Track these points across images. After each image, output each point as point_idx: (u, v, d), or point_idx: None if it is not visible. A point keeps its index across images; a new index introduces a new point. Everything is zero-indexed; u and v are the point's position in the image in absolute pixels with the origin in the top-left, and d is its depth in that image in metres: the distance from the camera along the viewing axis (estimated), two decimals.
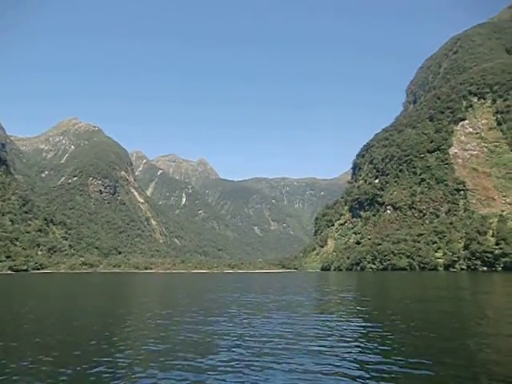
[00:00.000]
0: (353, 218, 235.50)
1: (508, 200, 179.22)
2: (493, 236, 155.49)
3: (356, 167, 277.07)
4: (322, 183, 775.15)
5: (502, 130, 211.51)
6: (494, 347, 13.33)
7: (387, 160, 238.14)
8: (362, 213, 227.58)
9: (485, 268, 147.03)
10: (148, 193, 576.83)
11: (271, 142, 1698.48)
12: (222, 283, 68.76)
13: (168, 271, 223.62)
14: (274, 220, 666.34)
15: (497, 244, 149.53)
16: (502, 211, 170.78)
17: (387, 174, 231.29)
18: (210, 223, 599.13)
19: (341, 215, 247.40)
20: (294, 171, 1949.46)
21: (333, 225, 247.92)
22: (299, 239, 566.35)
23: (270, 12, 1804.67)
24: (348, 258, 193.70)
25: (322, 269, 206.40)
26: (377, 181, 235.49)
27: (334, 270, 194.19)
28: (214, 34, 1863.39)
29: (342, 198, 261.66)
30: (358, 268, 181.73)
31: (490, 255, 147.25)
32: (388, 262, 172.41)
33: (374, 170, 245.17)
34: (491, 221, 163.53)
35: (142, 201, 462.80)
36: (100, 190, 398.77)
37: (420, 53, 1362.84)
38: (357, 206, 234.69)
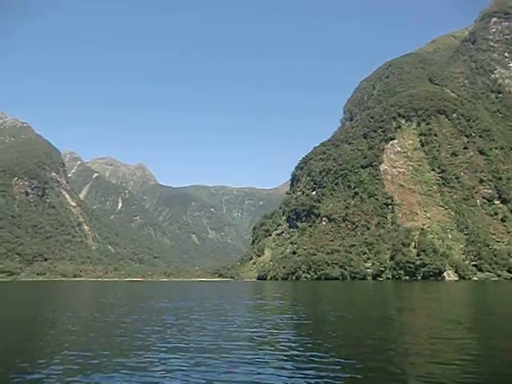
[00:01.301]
0: (290, 228, 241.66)
1: (428, 215, 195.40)
2: (415, 248, 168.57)
3: (294, 179, 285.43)
4: (261, 193, 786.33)
5: (424, 151, 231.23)
6: (411, 350, 14.96)
7: (324, 173, 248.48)
8: (298, 223, 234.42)
9: (407, 277, 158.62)
10: (81, 196, 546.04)
11: (212, 150, 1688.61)
12: (154, 292, 67.25)
13: (99, 279, 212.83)
14: (213, 228, 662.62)
15: (418, 255, 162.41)
16: (423, 225, 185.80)
17: (324, 187, 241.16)
18: (147, 230, 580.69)
19: (278, 225, 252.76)
20: (233, 180, 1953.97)
21: (270, 235, 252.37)
22: (237, 248, 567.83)
23: (217, 16, 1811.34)
24: (284, 267, 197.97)
25: (259, 278, 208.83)
26: (314, 193, 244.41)
27: (270, 279, 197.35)
28: (153, 36, 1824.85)
29: (280, 208, 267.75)
30: (294, 277, 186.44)
31: (411, 265, 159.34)
32: (322, 272, 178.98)
33: (312, 183, 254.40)
34: (414, 233, 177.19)
35: (74, 204, 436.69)
36: (26, 192, 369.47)
37: (357, 74, 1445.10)
38: (294, 216, 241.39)
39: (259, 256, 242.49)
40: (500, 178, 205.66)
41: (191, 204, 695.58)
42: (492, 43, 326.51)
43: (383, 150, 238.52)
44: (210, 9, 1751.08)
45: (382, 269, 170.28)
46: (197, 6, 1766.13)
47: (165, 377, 11.30)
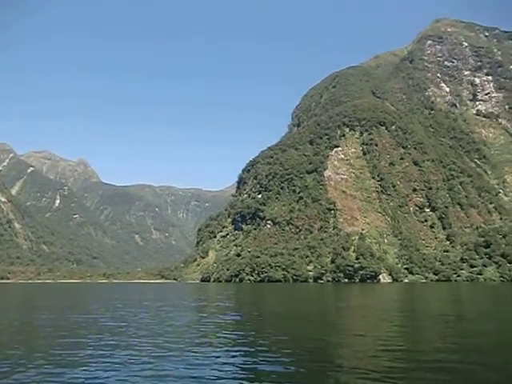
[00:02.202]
0: (235, 230, 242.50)
1: (367, 220, 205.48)
2: (354, 251, 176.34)
3: (241, 181, 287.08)
4: (207, 194, 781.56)
5: (366, 160, 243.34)
6: (349, 346, 15.90)
7: (270, 177, 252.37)
8: (243, 226, 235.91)
9: (346, 280, 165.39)
10: (13, 192, 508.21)
11: (159, 150, 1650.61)
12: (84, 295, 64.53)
13: (30, 281, 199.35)
14: (157, 229, 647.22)
15: (356, 259, 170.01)
16: (363, 230, 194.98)
17: (270, 190, 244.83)
18: (87, 229, 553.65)
19: (223, 227, 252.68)
20: (180, 181, 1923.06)
21: (215, 236, 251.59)
22: (181, 250, 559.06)
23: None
24: (228, 269, 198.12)
25: (202, 280, 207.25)
26: (260, 196, 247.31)
27: (214, 281, 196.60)
28: (91, 25, 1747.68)
29: (226, 210, 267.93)
30: (237, 279, 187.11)
31: (350, 268, 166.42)
32: (265, 274, 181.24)
33: (258, 186, 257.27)
34: (353, 238, 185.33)
35: (4, 200, 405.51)
36: None
37: (306, 82, 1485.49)
38: (239, 219, 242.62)
39: (203, 258, 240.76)
40: (430, 188, 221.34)
41: (135, 203, 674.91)
42: (427, 64, 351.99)
43: (328, 156, 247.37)
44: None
45: (323, 271, 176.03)
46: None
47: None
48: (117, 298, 54.63)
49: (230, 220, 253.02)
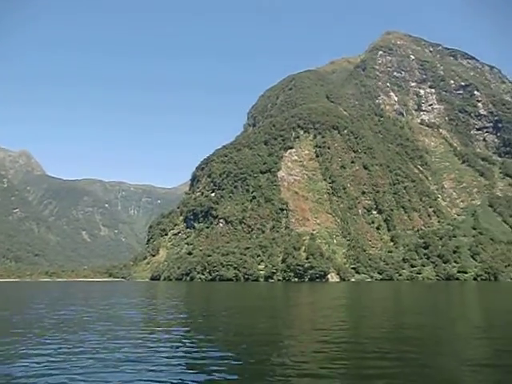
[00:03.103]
0: (187, 228, 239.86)
1: (318, 221, 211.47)
2: (304, 251, 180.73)
3: (195, 179, 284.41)
4: (159, 191, 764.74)
5: (318, 162, 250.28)
6: (298, 344, 16.65)
7: (224, 175, 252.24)
8: (196, 224, 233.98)
9: (296, 279, 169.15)
10: None
11: (110, 143, 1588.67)
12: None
13: None
14: (106, 225, 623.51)
15: (307, 258, 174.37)
16: (313, 230, 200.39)
17: (223, 189, 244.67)
18: (28, 224, 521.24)
19: (175, 225, 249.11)
20: (131, 176, 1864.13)
21: (166, 234, 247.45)
22: (131, 247, 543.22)
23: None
24: (179, 268, 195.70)
25: (152, 278, 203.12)
26: (213, 194, 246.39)
27: (164, 279, 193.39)
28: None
29: (178, 208, 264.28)
30: (188, 278, 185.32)
31: (300, 268, 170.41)
32: (216, 273, 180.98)
33: (212, 184, 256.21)
34: (304, 238, 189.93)
35: None
36: None
37: (264, 83, 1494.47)
38: (192, 217, 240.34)
39: (154, 256, 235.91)
40: (378, 191, 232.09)
41: (83, 198, 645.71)
42: (378, 73, 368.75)
43: (282, 157, 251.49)
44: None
45: (274, 271, 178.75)
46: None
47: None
48: (56, 298, 52.53)
49: (182, 218, 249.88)
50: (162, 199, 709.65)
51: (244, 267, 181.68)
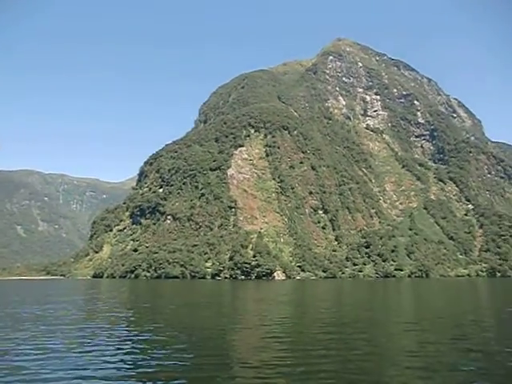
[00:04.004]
0: (133, 224, 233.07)
1: (266, 219, 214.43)
2: (252, 249, 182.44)
3: (142, 174, 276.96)
4: (105, 186, 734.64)
5: (268, 161, 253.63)
6: (238, 339, 17.09)
7: (173, 171, 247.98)
8: (142, 220, 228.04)
9: (243, 277, 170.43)
10: None
11: (52, 133, 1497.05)
12: None
13: None
14: (44, 220, 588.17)
15: (254, 256, 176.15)
16: (261, 229, 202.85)
17: (172, 185, 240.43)
18: None
19: (121, 221, 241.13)
20: (75, 169, 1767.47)
21: (111, 230, 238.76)
22: (72, 243, 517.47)
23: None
24: (123, 265, 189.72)
25: (94, 276, 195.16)
26: (161, 190, 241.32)
27: (108, 277, 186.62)
28: None
29: (125, 203, 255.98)
30: (133, 276, 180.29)
31: (247, 266, 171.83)
32: (162, 271, 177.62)
33: (160, 180, 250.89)
34: (252, 236, 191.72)
35: None
36: None
37: (216, 79, 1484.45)
38: (138, 212, 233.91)
39: (97, 252, 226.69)
40: (324, 192, 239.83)
41: (19, 191, 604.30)
42: (328, 77, 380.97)
43: (232, 155, 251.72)
44: None
45: (221, 268, 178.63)
46: None
47: None
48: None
49: (128, 213, 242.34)
50: (108, 194, 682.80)
51: (191, 265, 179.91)
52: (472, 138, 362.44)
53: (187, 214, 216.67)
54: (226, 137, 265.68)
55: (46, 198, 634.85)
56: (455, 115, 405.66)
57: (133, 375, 11.11)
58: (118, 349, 14.53)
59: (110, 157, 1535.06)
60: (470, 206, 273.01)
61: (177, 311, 29.57)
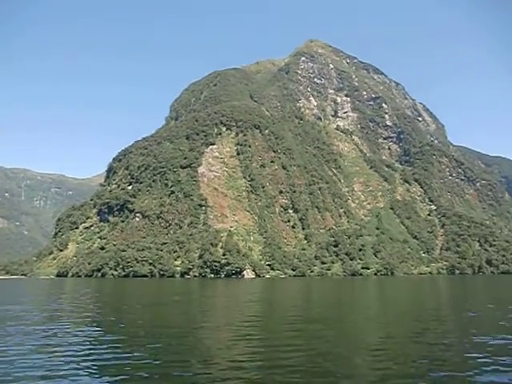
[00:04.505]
0: (100, 222, 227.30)
1: (236, 218, 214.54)
2: (222, 248, 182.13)
3: (111, 171, 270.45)
4: (71, 182, 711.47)
5: (239, 160, 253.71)
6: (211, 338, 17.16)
7: (143, 168, 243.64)
8: (110, 217, 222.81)
9: (212, 275, 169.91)
10: None
11: (12, 125, 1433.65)
12: None
13: None
14: (4, 217, 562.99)
15: (223, 255, 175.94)
16: (231, 227, 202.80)
17: (141, 182, 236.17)
18: None
19: (87, 218, 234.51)
20: (39, 164, 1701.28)
21: (77, 227, 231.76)
22: (35, 241, 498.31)
23: None
24: (89, 263, 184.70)
25: (58, 275, 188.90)
26: (130, 187, 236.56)
27: (72, 276, 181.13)
28: None
29: (92, 200, 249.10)
30: (99, 274, 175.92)
31: (217, 264, 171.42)
32: (130, 269, 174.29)
33: (129, 177, 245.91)
34: (222, 235, 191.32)
35: None
36: None
37: (187, 76, 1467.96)
38: (106, 210, 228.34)
39: (61, 250, 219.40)
40: (295, 191, 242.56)
41: None
42: (300, 77, 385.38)
43: (203, 153, 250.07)
44: None
45: (191, 267, 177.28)
46: None
47: None
48: None
49: (95, 211, 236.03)
50: (74, 190, 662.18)
51: (160, 263, 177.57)
52: (436, 142, 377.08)
53: (157, 212, 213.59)
54: (197, 134, 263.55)
55: (6, 194, 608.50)
56: (420, 119, 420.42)
57: (95, 376, 11.06)
58: (80, 350, 14.34)
59: (77, 153, 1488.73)
60: (432, 206, 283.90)
61: (144, 310, 29.33)
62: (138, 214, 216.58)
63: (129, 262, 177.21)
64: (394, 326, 20.88)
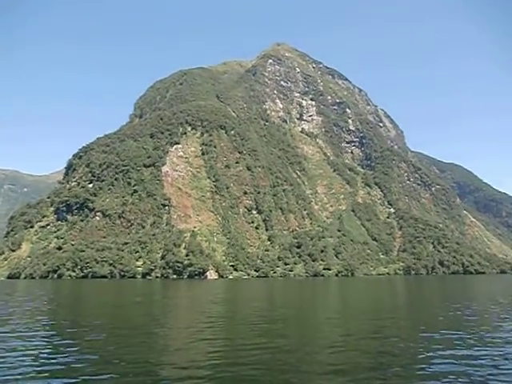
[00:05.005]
0: (57, 221, 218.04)
1: (200, 218, 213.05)
2: (185, 248, 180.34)
3: (70, 168, 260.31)
4: (26, 178, 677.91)
5: (204, 160, 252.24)
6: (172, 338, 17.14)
7: (105, 166, 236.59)
8: (69, 216, 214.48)
9: (175, 276, 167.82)
10: None
11: None
12: None
13: None
14: None
15: (187, 255, 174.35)
16: (195, 228, 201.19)
17: (102, 181, 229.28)
18: None
19: (44, 217, 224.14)
20: None
21: (32, 226, 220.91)
22: None
23: None
24: (45, 264, 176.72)
25: (10, 277, 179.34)
26: (91, 185, 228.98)
27: (25, 277, 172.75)
28: None
29: (49, 197, 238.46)
30: (55, 276, 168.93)
31: (180, 265, 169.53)
32: (89, 270, 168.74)
33: (90, 174, 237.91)
34: (185, 235, 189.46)
35: None
36: None
37: (154, 73, 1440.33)
38: (64, 208, 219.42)
39: (14, 251, 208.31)
40: (259, 192, 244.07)
41: None
42: (267, 80, 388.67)
43: (167, 152, 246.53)
44: None
45: (153, 268, 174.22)
46: None
47: None
48: None
49: (52, 209, 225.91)
50: (29, 187, 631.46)
51: (121, 263, 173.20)
52: (395, 147, 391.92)
53: (118, 211, 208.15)
54: (162, 133, 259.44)
55: None
56: (382, 125, 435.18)
57: (47, 381, 10.91)
58: (33, 354, 14.00)
59: (34, 148, 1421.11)
60: (391, 209, 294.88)
61: (103, 312, 28.80)
62: (98, 213, 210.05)
63: (88, 263, 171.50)
64: (353, 324, 21.82)
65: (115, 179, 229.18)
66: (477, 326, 20.45)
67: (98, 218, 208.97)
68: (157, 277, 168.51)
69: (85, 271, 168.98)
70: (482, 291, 58.73)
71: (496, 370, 11.72)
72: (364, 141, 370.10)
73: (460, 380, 10.85)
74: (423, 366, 12.31)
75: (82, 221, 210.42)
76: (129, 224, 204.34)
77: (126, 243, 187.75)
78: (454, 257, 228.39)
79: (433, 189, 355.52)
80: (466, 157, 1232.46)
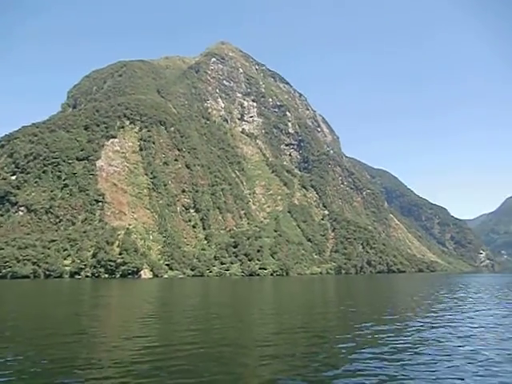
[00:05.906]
0: None
1: (135, 216, 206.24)
2: (118, 246, 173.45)
3: None
4: None
5: (141, 155, 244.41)
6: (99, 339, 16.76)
7: (31, 157, 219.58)
8: None
9: (107, 275, 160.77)
10: None
11: None
12: None
13: None
14: None
15: (120, 254, 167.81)
16: (130, 225, 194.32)
17: (28, 173, 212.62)
18: None
19: None
20: None
21: None
22: None
23: None
24: None
25: None
26: (14, 177, 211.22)
27: None
28: None
29: None
30: None
31: (112, 264, 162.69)
32: (9, 269, 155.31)
33: (13, 165, 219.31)
34: (119, 233, 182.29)
35: None
36: None
37: (88, 62, 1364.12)
38: None
39: None
40: (197, 191, 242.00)
41: None
42: (209, 78, 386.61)
43: (103, 146, 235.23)
44: None
45: (82, 266, 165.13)
46: None
47: None
48: None
49: None
50: None
51: (46, 262, 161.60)
52: (331, 152, 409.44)
53: (46, 206, 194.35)
54: (98, 126, 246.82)
55: None
56: (319, 129, 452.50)
57: None
58: None
59: None
60: (325, 211, 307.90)
61: (22, 314, 27.32)
62: (22, 208, 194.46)
63: (7, 262, 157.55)
64: (286, 320, 22.98)
65: (43, 172, 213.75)
66: (393, 315, 22.62)
67: (21, 212, 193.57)
68: (87, 276, 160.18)
69: (3, 271, 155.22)
70: (400, 289, 63.91)
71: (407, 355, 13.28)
72: (302, 144, 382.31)
73: (380, 363, 12.19)
74: (347, 353, 13.57)
75: (2, 215, 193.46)
76: (57, 220, 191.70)
77: (53, 240, 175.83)
78: (380, 257, 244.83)
79: (364, 193, 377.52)
80: (393, 161, 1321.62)
